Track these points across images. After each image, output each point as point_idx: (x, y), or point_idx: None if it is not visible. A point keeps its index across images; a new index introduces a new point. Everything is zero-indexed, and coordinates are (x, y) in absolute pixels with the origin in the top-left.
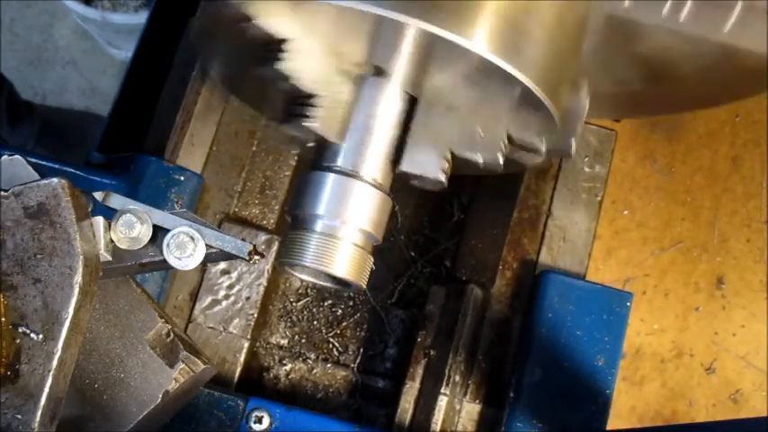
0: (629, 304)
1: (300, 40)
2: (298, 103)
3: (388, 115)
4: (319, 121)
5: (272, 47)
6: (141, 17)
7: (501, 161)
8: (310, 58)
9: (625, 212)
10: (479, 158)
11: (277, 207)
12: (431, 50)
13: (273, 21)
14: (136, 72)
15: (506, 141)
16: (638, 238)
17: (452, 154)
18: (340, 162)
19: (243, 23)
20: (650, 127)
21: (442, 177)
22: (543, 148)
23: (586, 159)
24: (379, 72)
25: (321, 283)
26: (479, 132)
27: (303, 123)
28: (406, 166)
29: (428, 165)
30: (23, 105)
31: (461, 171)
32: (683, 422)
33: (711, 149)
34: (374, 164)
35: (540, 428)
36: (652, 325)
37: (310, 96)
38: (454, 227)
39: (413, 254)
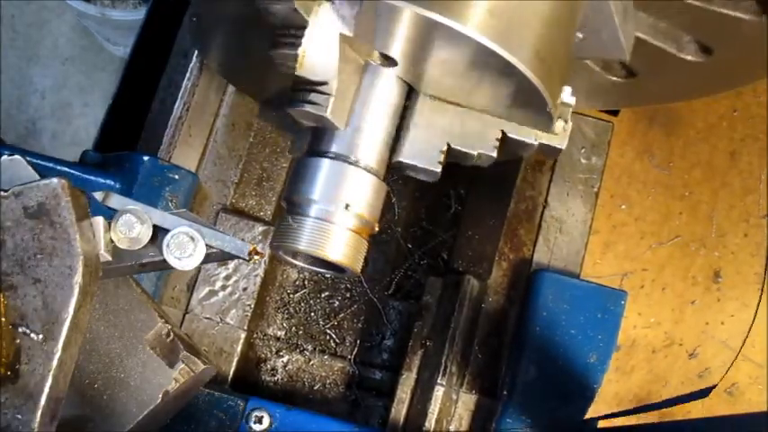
0: (623, 303)
1: (316, 28)
2: (304, 88)
3: (384, 103)
4: (329, 110)
5: (287, 32)
6: (140, 14)
7: (495, 155)
8: (325, 45)
9: (623, 207)
10: (474, 152)
11: (274, 198)
12: (426, 37)
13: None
14: (133, 69)
15: (500, 137)
16: (635, 232)
17: (449, 147)
18: (335, 148)
19: (266, 5)
20: (648, 122)
21: (438, 169)
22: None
23: (583, 151)
24: (384, 61)
25: (315, 269)
26: (476, 126)
27: (311, 111)
28: (404, 155)
29: (425, 156)
30: None
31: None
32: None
33: (710, 144)
34: (370, 150)
35: (531, 423)
36: (649, 318)
37: (320, 84)
38: (451, 219)
39: (410, 246)
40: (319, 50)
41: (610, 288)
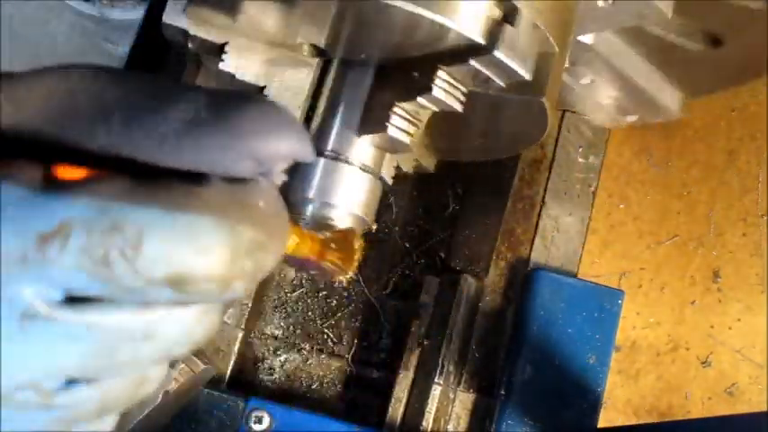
0: (620, 302)
1: (240, 39)
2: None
3: None
4: None
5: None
6: (139, 13)
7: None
8: (251, 53)
9: (621, 206)
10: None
11: None
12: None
13: (208, 30)
14: (132, 68)
15: None
16: (633, 231)
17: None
18: (330, 146)
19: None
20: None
21: (390, 181)
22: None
23: (580, 150)
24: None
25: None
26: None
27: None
28: None
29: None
30: None
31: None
32: (679, 415)
33: (707, 143)
34: (363, 148)
35: (531, 426)
36: (648, 319)
37: (262, 89)
38: (449, 218)
39: (407, 245)
40: (245, 61)
41: (607, 287)
